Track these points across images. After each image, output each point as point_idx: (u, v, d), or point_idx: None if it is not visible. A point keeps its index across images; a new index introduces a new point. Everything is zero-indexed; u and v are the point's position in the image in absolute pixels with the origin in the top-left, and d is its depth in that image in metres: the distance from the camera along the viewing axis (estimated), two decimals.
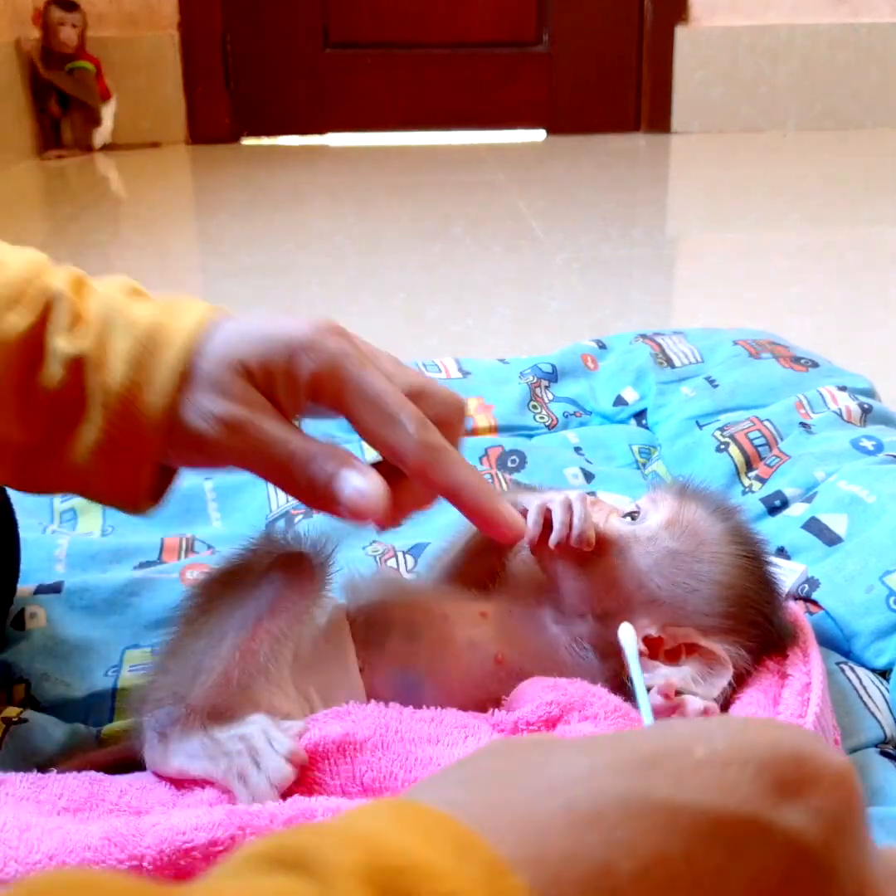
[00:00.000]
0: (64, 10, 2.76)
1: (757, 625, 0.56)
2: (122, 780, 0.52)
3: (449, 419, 0.54)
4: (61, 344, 0.51)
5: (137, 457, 0.52)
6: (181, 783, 0.51)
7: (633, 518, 0.58)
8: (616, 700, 0.52)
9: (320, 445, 0.51)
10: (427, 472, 0.51)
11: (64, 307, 0.52)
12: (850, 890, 0.25)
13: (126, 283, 0.55)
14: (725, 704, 0.54)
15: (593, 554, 0.55)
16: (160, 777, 0.52)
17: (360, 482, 0.50)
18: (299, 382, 0.50)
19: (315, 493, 0.51)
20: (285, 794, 0.48)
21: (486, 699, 0.54)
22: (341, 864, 0.22)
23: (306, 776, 0.49)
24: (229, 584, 0.54)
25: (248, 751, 0.49)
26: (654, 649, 0.55)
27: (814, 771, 0.26)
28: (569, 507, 0.55)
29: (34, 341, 0.52)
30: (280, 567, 0.53)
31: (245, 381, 0.50)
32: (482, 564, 0.60)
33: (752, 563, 0.57)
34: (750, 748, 0.26)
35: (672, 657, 0.55)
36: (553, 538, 0.54)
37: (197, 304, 0.54)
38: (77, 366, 0.51)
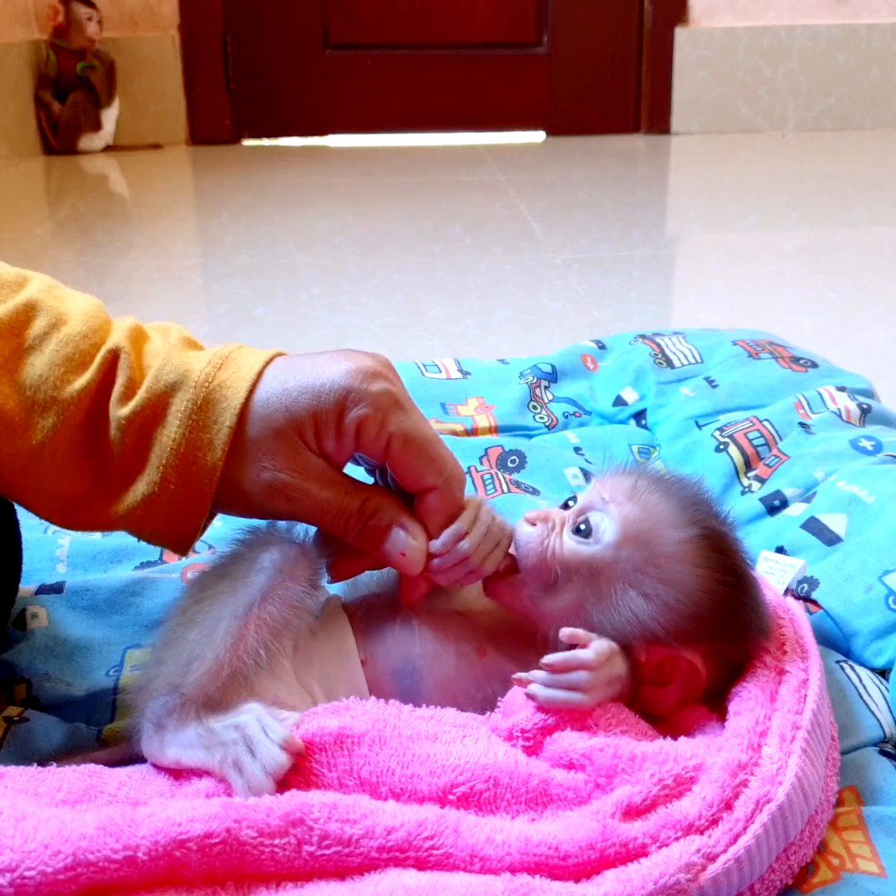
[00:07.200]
0: (87, 5, 2.79)
1: (724, 628, 0.54)
2: (121, 772, 0.52)
3: None
4: (122, 411, 0.53)
5: (190, 509, 0.54)
6: (179, 773, 0.51)
7: (584, 534, 0.55)
8: (613, 708, 0.52)
9: (366, 500, 0.55)
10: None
11: (124, 368, 0.54)
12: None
13: (180, 333, 0.58)
14: (724, 701, 0.54)
15: (556, 583, 0.54)
16: (158, 768, 0.52)
17: (406, 545, 0.54)
18: (346, 431, 0.54)
19: (362, 544, 0.55)
20: (283, 785, 0.48)
21: (477, 694, 0.54)
22: None
23: (303, 766, 0.49)
24: (223, 574, 0.55)
25: (243, 739, 0.49)
26: None
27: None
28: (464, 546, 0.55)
29: (98, 406, 0.54)
30: (272, 555, 0.54)
31: (292, 445, 0.54)
32: None
33: (719, 574, 0.54)
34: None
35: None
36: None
37: (251, 354, 0.56)
38: (135, 426, 0.53)
